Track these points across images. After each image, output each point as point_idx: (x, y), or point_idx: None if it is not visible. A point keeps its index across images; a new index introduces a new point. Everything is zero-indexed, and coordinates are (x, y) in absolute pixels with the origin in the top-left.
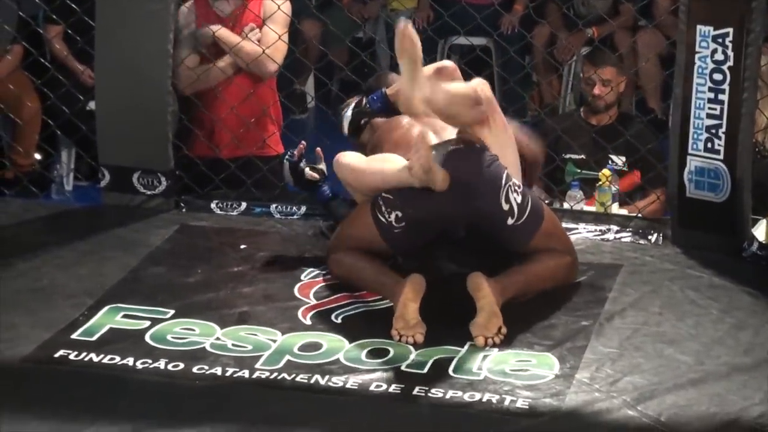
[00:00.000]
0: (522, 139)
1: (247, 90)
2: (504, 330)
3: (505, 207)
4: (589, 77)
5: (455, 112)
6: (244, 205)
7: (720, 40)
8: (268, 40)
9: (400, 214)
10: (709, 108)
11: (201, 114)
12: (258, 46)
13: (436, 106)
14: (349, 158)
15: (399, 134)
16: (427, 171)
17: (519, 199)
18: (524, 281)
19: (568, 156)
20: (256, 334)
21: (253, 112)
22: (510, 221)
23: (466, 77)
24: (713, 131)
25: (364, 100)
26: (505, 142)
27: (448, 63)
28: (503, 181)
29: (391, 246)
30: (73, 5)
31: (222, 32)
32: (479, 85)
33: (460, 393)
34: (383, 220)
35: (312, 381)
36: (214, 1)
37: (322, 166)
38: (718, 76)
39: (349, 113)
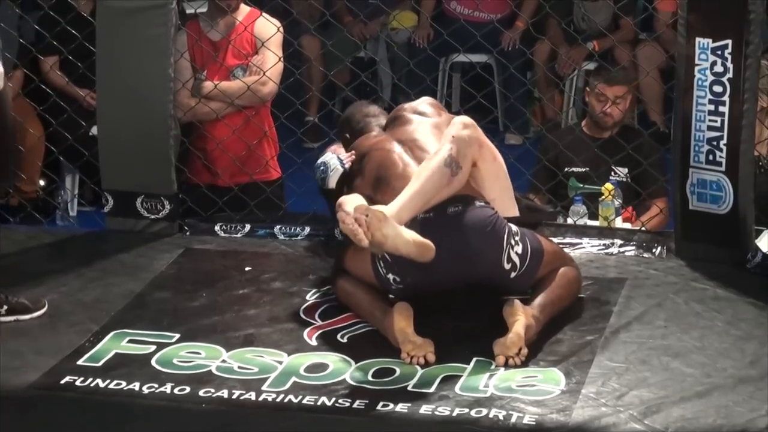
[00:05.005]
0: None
1: (245, 115)
2: (525, 351)
3: (507, 266)
4: (601, 93)
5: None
6: (248, 227)
7: (719, 52)
8: (263, 63)
9: (398, 279)
10: (710, 120)
11: (201, 140)
12: (253, 74)
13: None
14: (353, 200)
15: (372, 143)
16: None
17: (520, 250)
18: (551, 304)
19: (570, 170)
20: (262, 356)
21: (251, 137)
22: (513, 275)
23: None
24: (714, 143)
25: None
26: (495, 173)
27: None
28: (505, 242)
29: (388, 293)
30: (73, 31)
31: (222, 86)
32: (455, 141)
33: (467, 410)
34: (382, 274)
35: (318, 402)
36: (207, 30)
37: None
38: (718, 88)
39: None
